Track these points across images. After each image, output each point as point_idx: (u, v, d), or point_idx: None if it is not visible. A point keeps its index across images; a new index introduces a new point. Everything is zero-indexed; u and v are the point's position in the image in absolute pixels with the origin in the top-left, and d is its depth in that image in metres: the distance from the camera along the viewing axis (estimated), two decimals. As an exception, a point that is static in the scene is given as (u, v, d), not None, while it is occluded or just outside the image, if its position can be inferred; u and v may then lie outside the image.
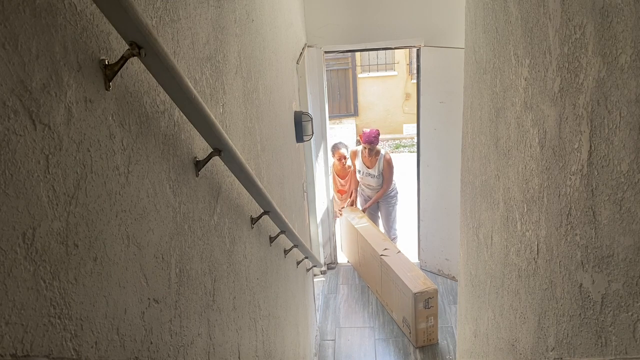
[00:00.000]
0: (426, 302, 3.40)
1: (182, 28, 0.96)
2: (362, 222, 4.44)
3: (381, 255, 3.85)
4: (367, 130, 4.60)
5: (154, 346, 0.78)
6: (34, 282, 0.50)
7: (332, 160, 4.85)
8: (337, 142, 4.95)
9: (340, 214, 5.10)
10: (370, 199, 4.84)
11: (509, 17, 1.23)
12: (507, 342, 1.42)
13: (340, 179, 4.96)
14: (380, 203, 4.84)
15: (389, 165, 4.62)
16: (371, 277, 4.19)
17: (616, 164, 0.71)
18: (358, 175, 4.78)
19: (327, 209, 4.52)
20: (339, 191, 4.99)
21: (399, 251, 3.91)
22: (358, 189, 4.90)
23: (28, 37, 0.50)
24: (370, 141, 4.49)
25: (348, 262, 4.79)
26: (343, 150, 4.83)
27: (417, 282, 3.46)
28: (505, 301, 1.42)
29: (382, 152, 4.63)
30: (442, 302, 3.98)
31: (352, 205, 4.87)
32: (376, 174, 4.63)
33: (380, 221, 4.94)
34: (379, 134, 4.60)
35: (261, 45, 1.89)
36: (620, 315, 0.74)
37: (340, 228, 4.89)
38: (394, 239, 4.74)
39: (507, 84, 1.27)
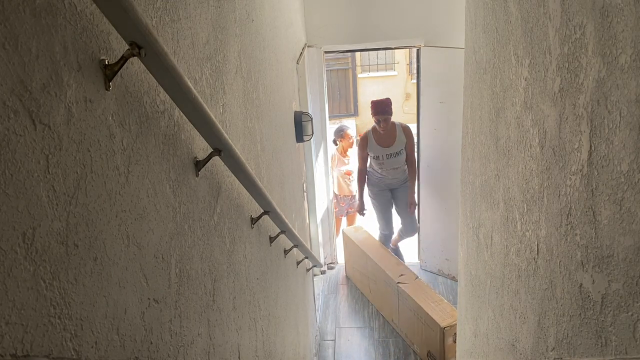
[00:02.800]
0: (455, 335, 3.07)
1: (182, 28, 0.96)
2: (370, 244, 4.07)
3: (398, 282, 3.53)
4: (378, 99, 3.88)
5: (154, 346, 0.78)
6: (34, 282, 0.50)
7: (331, 158, 4.71)
8: (339, 125, 4.77)
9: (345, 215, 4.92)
10: (396, 188, 4.06)
11: (509, 17, 1.23)
12: (507, 342, 1.42)
13: (344, 159, 4.71)
14: (394, 190, 4.15)
15: (411, 134, 3.90)
16: (385, 305, 3.85)
17: (616, 164, 0.71)
18: (375, 165, 4.04)
19: (327, 208, 4.51)
20: (347, 173, 4.73)
21: (417, 277, 3.60)
22: (373, 188, 4.21)
23: (28, 37, 0.50)
24: (383, 111, 3.76)
25: (356, 287, 4.38)
26: (350, 131, 4.61)
27: (444, 314, 3.18)
28: (505, 301, 1.42)
29: (396, 122, 3.92)
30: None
31: (360, 211, 4.32)
32: (400, 149, 3.90)
33: (383, 215, 4.35)
34: (390, 102, 3.85)
35: (261, 45, 1.89)
36: (620, 315, 0.74)
37: (343, 249, 4.55)
38: (414, 232, 4.27)
39: (507, 84, 1.27)
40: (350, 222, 4.99)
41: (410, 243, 4.82)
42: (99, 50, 0.64)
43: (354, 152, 4.77)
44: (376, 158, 3.98)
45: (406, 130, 3.95)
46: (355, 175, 4.75)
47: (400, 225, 4.38)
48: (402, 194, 4.20)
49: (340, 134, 4.65)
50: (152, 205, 0.79)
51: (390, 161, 3.96)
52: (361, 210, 4.32)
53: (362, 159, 4.09)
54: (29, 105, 0.50)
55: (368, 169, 4.16)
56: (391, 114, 3.81)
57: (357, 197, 4.89)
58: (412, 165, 4.03)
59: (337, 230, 4.88)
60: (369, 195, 4.31)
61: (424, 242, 4.52)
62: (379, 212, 4.34)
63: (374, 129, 3.95)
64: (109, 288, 0.65)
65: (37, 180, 0.51)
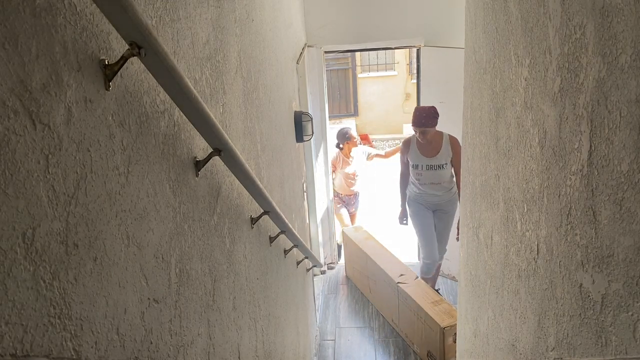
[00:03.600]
0: (455, 335, 2.98)
1: (182, 28, 0.96)
2: (370, 244, 4.05)
3: (398, 282, 3.51)
4: (421, 107, 3.39)
5: (154, 346, 0.78)
6: (34, 282, 0.50)
7: (334, 159, 4.64)
8: (342, 128, 4.65)
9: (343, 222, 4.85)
10: (439, 209, 3.50)
11: (509, 17, 1.23)
12: (507, 342, 1.42)
13: (349, 160, 4.62)
14: (436, 211, 3.62)
15: (458, 148, 3.18)
16: (385, 305, 3.83)
17: (616, 164, 0.71)
18: (413, 176, 3.54)
19: (327, 208, 4.51)
20: (352, 174, 4.61)
21: (417, 277, 3.56)
22: (411, 205, 3.66)
23: (28, 37, 0.50)
24: (420, 122, 3.25)
25: (356, 286, 4.33)
26: (354, 132, 4.56)
27: (444, 314, 3.17)
28: (505, 301, 1.42)
29: (444, 132, 3.40)
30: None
31: (400, 220, 3.83)
32: (444, 162, 3.37)
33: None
34: (435, 112, 3.27)
35: (261, 45, 1.89)
36: (620, 315, 0.74)
37: (343, 249, 4.52)
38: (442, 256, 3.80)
39: (507, 84, 1.27)
40: (352, 221, 4.98)
41: (410, 243, 4.82)
42: (99, 50, 0.64)
43: (356, 153, 4.75)
44: (414, 167, 3.45)
45: (454, 142, 3.33)
46: (358, 177, 4.71)
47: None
48: (443, 217, 3.61)
49: (346, 137, 4.56)
50: (152, 205, 0.79)
51: (430, 174, 3.40)
52: (401, 219, 3.82)
53: (403, 163, 3.61)
54: (29, 105, 0.50)
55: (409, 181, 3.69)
56: (432, 126, 3.24)
57: (358, 196, 4.89)
58: (458, 184, 3.29)
59: (342, 224, 4.86)
60: (409, 215, 3.77)
61: (424, 242, 4.51)
62: (420, 234, 3.73)
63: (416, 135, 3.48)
64: (109, 288, 0.65)
65: (37, 180, 0.51)
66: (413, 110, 3.44)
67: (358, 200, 4.93)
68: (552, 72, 0.94)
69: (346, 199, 4.85)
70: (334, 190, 4.71)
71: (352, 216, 4.98)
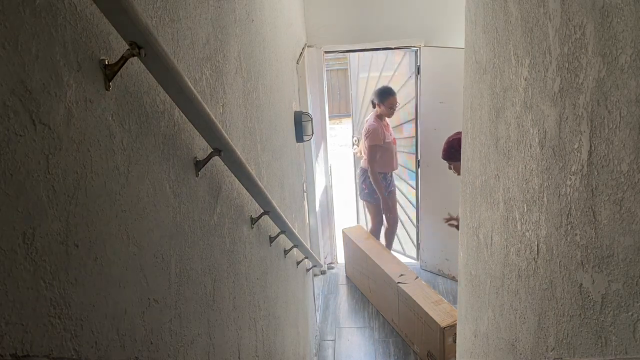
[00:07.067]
0: (455, 335, 2.99)
1: (182, 28, 0.96)
2: (370, 244, 4.06)
3: (398, 282, 3.53)
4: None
5: (154, 346, 0.78)
6: (34, 282, 0.50)
7: (368, 131, 4.09)
8: (383, 87, 4.08)
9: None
10: None
11: (509, 17, 1.23)
12: (507, 342, 1.42)
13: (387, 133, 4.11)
14: None
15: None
16: (385, 305, 3.85)
17: (616, 164, 0.71)
18: None
19: (327, 208, 4.51)
20: (394, 141, 4.20)
21: (417, 277, 3.59)
22: None
23: (28, 37, 0.50)
24: (445, 156, 2.83)
25: (357, 287, 4.28)
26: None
27: (444, 314, 3.19)
28: (505, 301, 1.42)
29: None
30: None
31: None
32: None
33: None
34: (454, 144, 2.67)
35: (261, 45, 1.89)
36: (620, 315, 0.74)
37: (343, 249, 4.47)
38: None
39: (507, 84, 1.27)
40: (393, 203, 4.47)
41: (410, 243, 4.82)
42: (99, 50, 0.64)
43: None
44: None
45: None
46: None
47: None
48: None
49: (390, 94, 4.07)
50: (152, 205, 0.79)
51: None
52: None
53: None
54: (29, 105, 0.50)
55: None
56: (452, 160, 2.77)
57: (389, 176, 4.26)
58: None
59: (374, 224, 4.43)
60: None
61: (424, 242, 4.52)
62: None
63: None
64: (109, 288, 0.65)
65: (37, 180, 0.51)
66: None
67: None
68: (552, 72, 0.94)
69: (386, 178, 4.32)
70: (375, 173, 4.11)
71: (392, 198, 4.45)
